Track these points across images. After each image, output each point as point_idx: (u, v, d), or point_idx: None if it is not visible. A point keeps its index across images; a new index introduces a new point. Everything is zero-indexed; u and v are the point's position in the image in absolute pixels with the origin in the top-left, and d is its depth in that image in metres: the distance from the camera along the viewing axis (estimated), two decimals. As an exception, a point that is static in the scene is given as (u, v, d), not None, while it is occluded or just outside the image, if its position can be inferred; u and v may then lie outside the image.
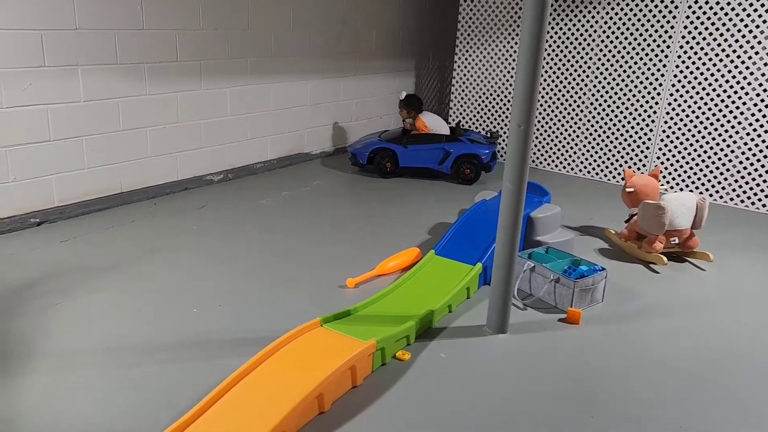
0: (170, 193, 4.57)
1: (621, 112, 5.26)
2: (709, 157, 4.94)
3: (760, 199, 4.82)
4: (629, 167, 5.30)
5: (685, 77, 4.90)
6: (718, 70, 4.75)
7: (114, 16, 3.93)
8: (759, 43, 4.56)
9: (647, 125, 5.15)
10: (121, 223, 3.96)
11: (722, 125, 4.82)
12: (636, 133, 5.22)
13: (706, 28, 4.74)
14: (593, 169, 5.53)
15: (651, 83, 5.05)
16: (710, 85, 4.81)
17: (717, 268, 3.68)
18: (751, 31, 4.58)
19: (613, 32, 5.14)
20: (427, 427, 2.19)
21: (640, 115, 5.17)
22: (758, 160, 4.74)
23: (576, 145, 5.57)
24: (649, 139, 5.17)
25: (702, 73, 4.82)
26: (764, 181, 4.76)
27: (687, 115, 4.96)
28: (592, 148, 5.48)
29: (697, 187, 5.04)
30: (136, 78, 4.15)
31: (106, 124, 4.06)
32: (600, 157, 5.47)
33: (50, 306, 2.88)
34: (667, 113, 5.04)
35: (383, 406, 2.29)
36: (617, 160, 5.38)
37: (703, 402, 2.41)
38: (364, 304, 2.84)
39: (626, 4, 5.02)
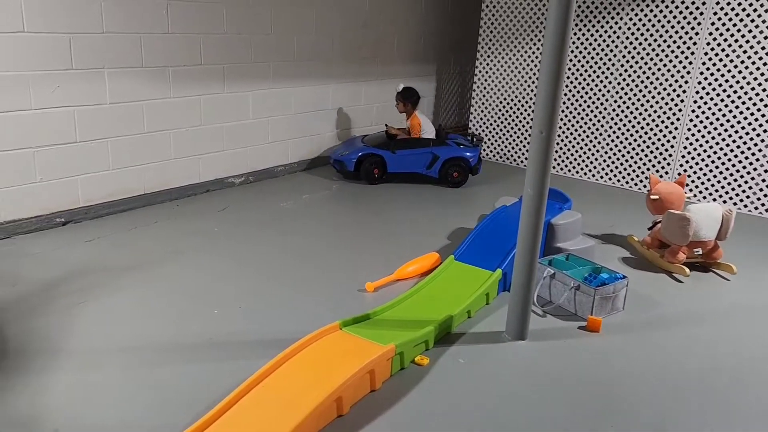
0: (192, 195, 4.62)
1: (644, 119, 5.21)
2: (733, 165, 4.87)
3: (785, 209, 4.75)
4: (652, 174, 5.24)
5: (710, 84, 4.84)
6: (744, 78, 4.69)
7: (140, 20, 3.99)
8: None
9: (670, 132, 5.10)
10: (144, 223, 4.01)
11: (747, 133, 4.76)
12: (659, 140, 5.17)
13: (732, 35, 4.68)
14: (615, 176, 5.49)
15: (674, 90, 5.00)
16: (735, 92, 4.75)
17: (741, 279, 3.63)
18: (778, 38, 4.52)
19: (636, 38, 5.10)
20: (445, 433, 2.19)
21: (663, 122, 5.12)
22: (784, 169, 4.67)
23: (597, 151, 5.53)
24: (672, 146, 5.11)
25: (727, 80, 4.76)
26: (790, 190, 4.69)
27: (711, 122, 4.90)
28: (614, 154, 5.44)
29: (720, 195, 4.98)
30: (161, 81, 4.21)
31: (131, 126, 4.12)
32: (622, 164, 5.42)
33: (74, 305, 2.92)
34: (691, 120, 4.98)
35: (402, 410, 2.30)
36: (639, 167, 5.33)
37: (723, 413, 2.38)
38: (384, 308, 2.85)
39: (650, 10, 4.98)
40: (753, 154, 4.77)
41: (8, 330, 2.68)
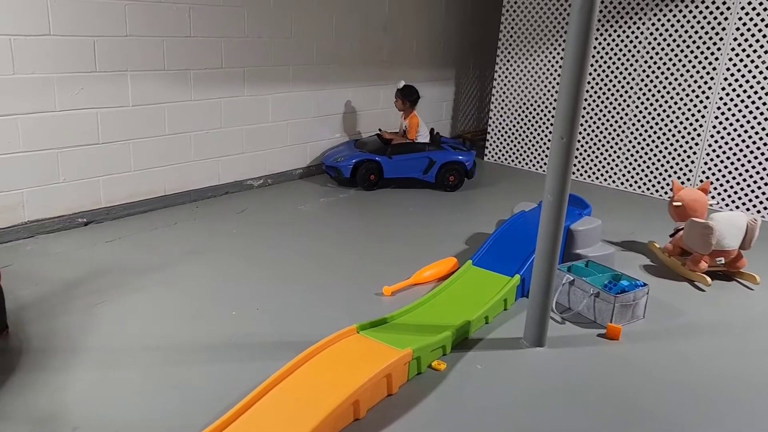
0: (211, 196, 4.65)
1: (666, 125, 5.16)
2: (757, 172, 4.79)
3: (811, 217, 4.66)
4: (675, 180, 5.18)
5: (734, 90, 4.77)
6: (769, 84, 4.63)
7: (163, 23, 4.04)
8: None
9: (692, 138, 5.04)
10: (164, 224, 4.05)
11: (772, 140, 4.69)
12: (681, 146, 5.11)
13: (757, 41, 4.61)
14: (635, 182, 5.43)
15: (698, 95, 4.94)
16: (760, 98, 4.68)
17: (764, 289, 3.56)
18: (804, 44, 4.45)
19: (659, 43, 5.04)
20: (461, 439, 2.18)
21: (685, 128, 5.06)
22: (810, 177, 4.59)
23: (618, 157, 5.48)
24: (695, 153, 5.05)
25: (752, 86, 4.70)
26: (816, 198, 4.61)
27: (735, 129, 4.83)
28: (635, 160, 5.39)
29: (743, 203, 4.90)
30: (183, 84, 4.25)
31: (153, 128, 4.17)
32: (643, 170, 5.36)
33: (95, 304, 2.96)
34: (714, 127, 4.91)
35: (418, 415, 2.29)
36: (660, 174, 5.27)
37: (744, 426, 2.33)
38: (401, 313, 2.84)
39: (673, 15, 4.93)
40: (777, 162, 4.70)
41: (30, 328, 2.72)
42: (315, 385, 2.25)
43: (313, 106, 5.23)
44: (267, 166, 5.03)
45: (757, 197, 4.84)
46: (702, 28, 4.82)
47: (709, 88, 4.88)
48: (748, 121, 4.76)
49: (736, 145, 4.84)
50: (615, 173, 5.53)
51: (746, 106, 4.75)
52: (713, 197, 4.99)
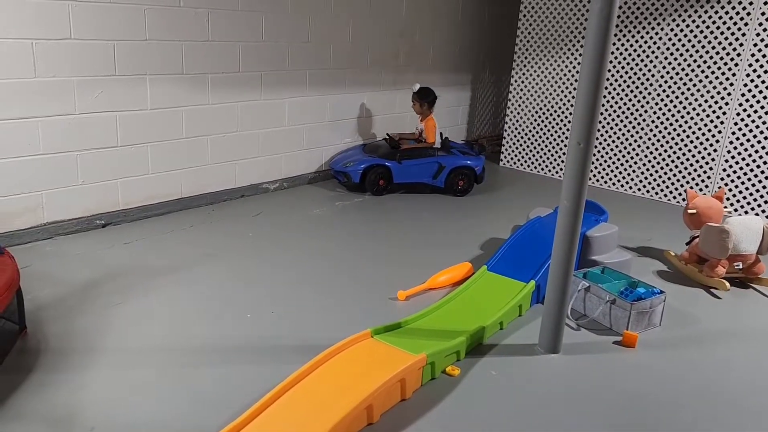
0: (227, 199, 4.68)
1: (684, 131, 5.11)
2: (778, 180, 4.74)
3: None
4: (691, 188, 5.14)
5: (753, 96, 4.72)
6: (790, 90, 4.57)
7: (182, 28, 4.08)
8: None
9: (711, 145, 4.98)
10: (181, 227, 4.08)
11: (792, 147, 4.63)
12: (699, 152, 5.06)
13: (778, 46, 4.57)
14: (653, 188, 5.38)
15: (716, 102, 4.89)
16: (780, 104, 4.62)
17: (784, 296, 3.53)
18: (826, 50, 4.39)
19: (677, 48, 5.01)
20: (475, 445, 2.17)
21: (704, 134, 5.01)
22: (831, 185, 4.52)
23: (635, 163, 5.44)
24: (713, 159, 5.00)
25: (772, 93, 4.65)
26: (837, 206, 4.54)
27: (755, 135, 4.78)
28: (653, 166, 5.34)
29: (763, 210, 4.84)
30: (200, 88, 4.29)
31: (170, 131, 4.21)
32: (660, 177, 5.32)
33: (112, 305, 2.99)
34: (733, 133, 4.86)
35: (432, 420, 2.28)
36: (678, 180, 5.22)
37: (766, 436, 2.31)
38: (415, 317, 2.84)
39: (692, 20, 4.89)
40: (798, 169, 4.63)
41: (48, 328, 2.75)
42: (329, 388, 2.26)
43: (328, 110, 5.25)
44: (282, 169, 5.05)
45: (776, 205, 4.78)
46: (722, 33, 4.78)
47: (729, 94, 4.83)
48: (768, 128, 4.71)
49: (756, 152, 4.79)
50: (632, 179, 5.49)
51: (766, 112, 4.69)
52: (731, 204, 4.94)
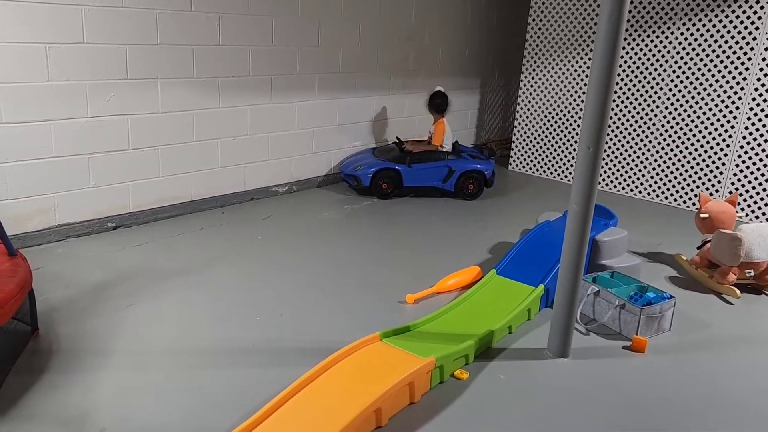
0: (237, 202, 4.71)
1: (694, 135, 5.09)
2: (789, 185, 4.71)
3: (844, 231, 4.54)
4: (702, 192, 5.10)
5: (765, 100, 4.69)
6: (801, 94, 4.54)
7: (193, 32, 4.11)
8: None
9: (721, 149, 4.96)
10: (191, 230, 4.11)
11: (804, 151, 4.60)
12: (710, 157, 5.04)
13: (789, 50, 4.54)
14: (662, 192, 5.36)
15: (727, 106, 4.87)
16: (792, 109, 4.60)
17: (795, 301, 3.50)
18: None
19: (687, 52, 4.99)
20: (484, 449, 2.17)
21: (714, 138, 4.98)
22: (843, 189, 4.48)
23: (645, 167, 5.42)
24: (723, 164, 4.97)
25: (783, 97, 4.62)
26: None
27: (766, 140, 4.75)
28: (663, 171, 5.32)
29: (774, 216, 4.82)
30: (211, 91, 4.32)
31: (181, 134, 4.24)
32: (670, 181, 5.30)
33: (123, 307, 3.01)
34: (744, 137, 4.84)
35: (440, 424, 2.28)
36: (688, 185, 5.20)
37: (777, 442, 2.29)
38: (424, 321, 2.84)
39: (702, 24, 4.87)
40: (810, 174, 4.60)
41: (60, 330, 2.78)
42: (337, 391, 2.26)
43: (338, 114, 5.27)
44: (292, 173, 5.07)
45: (788, 209, 4.75)
46: (732, 37, 4.76)
47: (739, 98, 4.80)
48: (780, 132, 4.68)
49: (767, 156, 4.76)
50: (642, 183, 5.47)
51: (777, 117, 4.67)
52: (742, 209, 4.91)
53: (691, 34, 4.94)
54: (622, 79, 5.37)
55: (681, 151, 5.18)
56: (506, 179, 5.89)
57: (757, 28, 4.63)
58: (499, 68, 6.90)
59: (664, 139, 5.25)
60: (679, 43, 5.02)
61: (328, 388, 2.29)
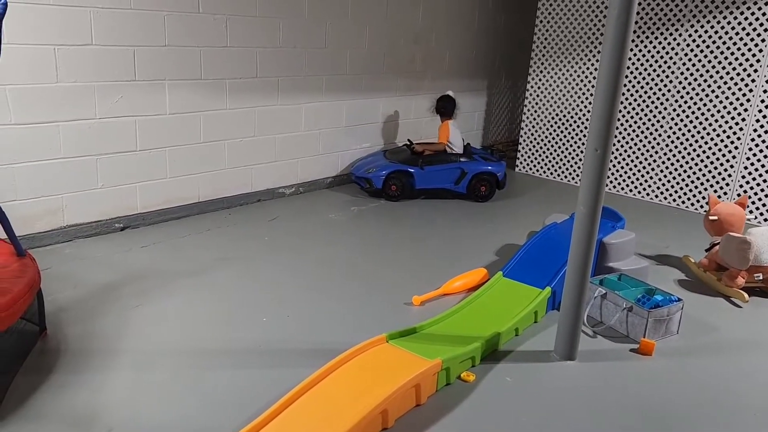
0: (244, 204, 4.72)
1: (702, 137, 5.06)
2: (798, 187, 4.68)
3: None
4: (711, 194, 5.07)
5: (774, 103, 4.67)
6: (811, 96, 4.51)
7: (201, 34, 4.13)
8: None
9: (730, 151, 4.93)
10: (197, 231, 4.12)
11: (813, 154, 4.57)
12: (718, 159, 5.01)
13: (798, 52, 4.51)
14: (670, 195, 5.34)
15: (735, 107, 4.84)
16: (801, 111, 4.57)
17: (804, 304, 3.48)
18: None
19: (695, 54, 4.97)
20: (490, 452, 2.16)
21: (722, 140, 4.96)
22: None
23: (653, 169, 5.39)
24: (732, 166, 4.94)
25: (792, 99, 4.59)
26: None
27: (774, 142, 4.72)
28: (671, 173, 5.30)
29: (783, 218, 4.78)
30: (218, 93, 4.33)
31: (188, 136, 4.25)
32: (678, 183, 5.27)
33: (131, 308, 3.02)
34: (752, 140, 4.81)
35: (447, 426, 2.28)
36: (696, 187, 5.17)
37: (786, 447, 2.27)
38: (430, 323, 2.84)
39: (711, 26, 4.85)
40: (819, 176, 4.57)
41: (69, 330, 2.79)
42: (344, 393, 2.26)
43: (344, 115, 5.27)
44: (299, 174, 5.08)
45: (797, 212, 4.72)
46: (741, 39, 4.73)
47: (748, 100, 4.78)
48: (789, 135, 4.65)
49: (776, 158, 4.73)
50: (650, 186, 5.45)
51: (786, 119, 4.64)
52: (750, 212, 4.88)
53: (699, 36, 4.92)
54: (629, 81, 5.35)
55: (689, 153, 5.16)
56: (513, 181, 5.87)
57: (766, 30, 4.60)
58: (506, 70, 6.90)
59: (672, 141, 5.23)
60: (687, 45, 5.00)
61: (334, 389, 2.29)
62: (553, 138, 5.98)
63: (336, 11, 4.93)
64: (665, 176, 5.33)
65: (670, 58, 5.10)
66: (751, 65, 4.72)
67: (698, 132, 5.07)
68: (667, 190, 5.35)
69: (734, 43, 4.77)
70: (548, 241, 3.62)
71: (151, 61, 3.93)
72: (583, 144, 5.77)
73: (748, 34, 4.69)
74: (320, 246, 3.98)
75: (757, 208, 4.88)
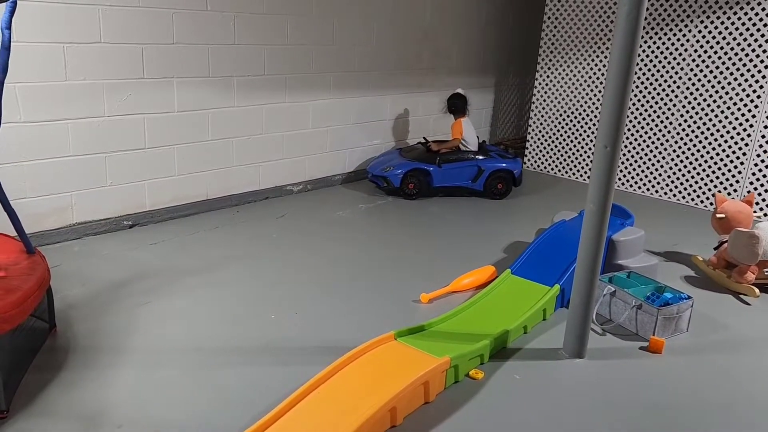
0: (252, 201, 4.72)
1: (712, 134, 5.03)
2: (809, 184, 4.64)
3: None
4: (719, 192, 5.05)
5: (785, 99, 4.63)
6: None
7: (209, 31, 4.13)
8: None
9: (740, 148, 4.90)
10: (206, 228, 4.13)
11: (825, 150, 4.53)
12: (728, 156, 4.97)
13: (810, 48, 4.47)
14: (680, 192, 5.30)
15: (746, 104, 4.81)
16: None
17: (816, 302, 3.45)
18: None
19: (705, 51, 4.93)
20: (499, 449, 2.16)
21: (732, 138, 4.92)
22: None
23: (662, 166, 5.36)
24: (742, 164, 4.91)
25: (803, 95, 4.55)
26: None
27: (785, 139, 4.68)
28: (680, 170, 5.26)
29: (794, 216, 4.75)
30: (226, 90, 4.34)
31: (197, 133, 4.26)
32: (687, 180, 5.24)
33: (139, 305, 3.03)
34: (763, 136, 4.77)
35: (455, 423, 2.28)
36: (706, 184, 5.14)
37: (798, 446, 2.26)
38: (439, 320, 2.83)
39: (721, 22, 4.81)
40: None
41: (78, 327, 2.80)
42: (352, 390, 2.26)
43: (352, 113, 5.27)
44: (307, 171, 5.08)
45: (808, 209, 4.68)
46: (751, 35, 4.69)
47: (758, 96, 4.74)
48: (800, 131, 4.61)
49: (787, 155, 4.70)
50: (659, 183, 5.42)
51: (798, 116, 4.60)
52: (761, 209, 4.85)
53: (710, 32, 4.88)
54: (639, 78, 5.32)
55: (699, 151, 5.12)
56: (521, 178, 5.85)
57: (777, 26, 4.57)
58: (514, 67, 6.87)
59: (682, 139, 5.19)
60: (697, 41, 4.96)
61: (343, 386, 2.29)
62: (562, 135, 5.96)
63: (343, 8, 4.92)
64: (674, 173, 5.30)
65: (680, 54, 5.07)
66: (762, 61, 4.68)
67: (708, 129, 5.03)
68: (676, 187, 5.32)
69: (744, 39, 4.73)
70: (557, 238, 3.61)
71: (159, 59, 3.94)
72: (591, 141, 5.74)
73: (758, 30, 4.65)
74: (328, 243, 3.98)
75: (767, 205, 4.85)
